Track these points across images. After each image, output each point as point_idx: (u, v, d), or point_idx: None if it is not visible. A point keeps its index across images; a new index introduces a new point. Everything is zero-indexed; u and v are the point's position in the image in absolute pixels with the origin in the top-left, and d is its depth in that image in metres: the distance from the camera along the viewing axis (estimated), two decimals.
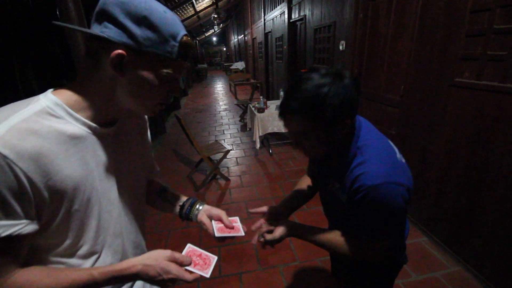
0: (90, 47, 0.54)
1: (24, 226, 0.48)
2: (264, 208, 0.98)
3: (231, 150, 3.68)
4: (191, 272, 0.63)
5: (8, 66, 2.21)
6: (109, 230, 0.65)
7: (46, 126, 0.50)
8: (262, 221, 0.95)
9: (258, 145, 3.79)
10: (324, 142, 0.73)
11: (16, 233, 0.47)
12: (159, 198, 0.88)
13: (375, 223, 0.75)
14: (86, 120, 0.56)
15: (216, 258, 0.70)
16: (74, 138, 0.54)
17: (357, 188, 0.71)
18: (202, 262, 0.67)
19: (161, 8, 0.53)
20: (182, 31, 0.55)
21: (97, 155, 0.59)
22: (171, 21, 0.53)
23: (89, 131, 0.57)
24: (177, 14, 9.08)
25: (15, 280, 0.50)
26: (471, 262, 1.81)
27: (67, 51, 2.01)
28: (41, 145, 0.48)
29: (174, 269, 0.59)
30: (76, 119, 0.55)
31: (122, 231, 0.69)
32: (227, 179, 3.37)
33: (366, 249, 0.80)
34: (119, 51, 0.51)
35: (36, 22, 2.43)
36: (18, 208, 0.47)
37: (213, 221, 0.82)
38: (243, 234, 0.78)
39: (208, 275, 0.64)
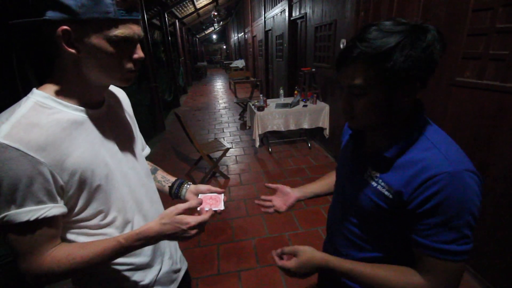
0: (48, 38, 0.55)
1: (49, 209, 0.54)
2: (277, 185, 0.99)
3: (230, 148, 3.68)
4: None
5: (7, 63, 2.19)
6: (133, 199, 0.72)
7: (44, 117, 0.55)
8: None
9: (257, 144, 3.78)
10: (381, 105, 0.58)
11: (42, 216, 0.53)
12: None
13: (453, 231, 0.55)
14: (76, 106, 0.61)
15: (222, 194, 0.86)
16: (73, 123, 0.59)
17: (428, 178, 0.55)
18: (214, 201, 0.83)
19: None
20: None
21: (99, 135, 0.64)
22: None
23: (83, 114, 0.62)
24: (177, 11, 8.97)
25: (55, 255, 0.57)
26: (469, 262, 1.81)
27: None
28: (45, 134, 0.53)
29: (189, 218, 0.65)
30: (67, 107, 0.59)
31: (144, 199, 0.76)
32: (226, 177, 3.37)
33: (441, 278, 0.58)
34: (62, 27, 0.52)
35: (33, 17, 2.41)
36: (40, 194, 0.53)
37: (199, 195, 0.87)
38: (222, 208, 0.84)
39: (223, 208, 0.82)
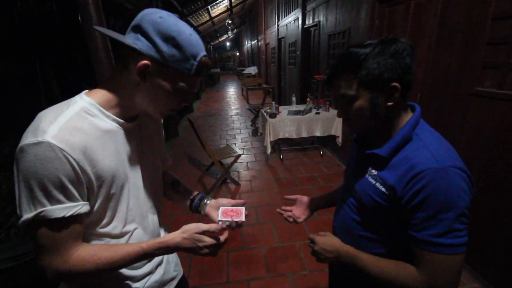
0: (122, 53, 0.62)
1: (81, 207, 0.58)
2: (296, 196, 1.05)
3: (242, 154, 3.69)
4: (231, 226, 0.83)
5: (31, 67, 2.30)
6: (137, 211, 0.74)
7: (87, 123, 0.60)
8: (292, 207, 1.03)
9: (269, 150, 3.77)
10: (368, 109, 0.66)
11: (77, 213, 0.57)
12: (171, 190, 0.96)
13: (442, 224, 0.58)
14: (115, 117, 0.65)
15: (244, 208, 0.88)
16: (108, 133, 0.64)
17: (416, 174, 0.60)
18: (235, 213, 0.85)
19: (188, 31, 0.60)
20: (202, 52, 0.62)
21: (126, 147, 0.69)
22: (194, 42, 0.60)
23: (118, 126, 0.67)
24: (193, 20, 9.18)
25: (80, 253, 0.60)
26: (490, 279, 1.72)
27: (87, 56, 2.08)
28: (86, 139, 0.58)
29: (207, 238, 0.68)
30: (108, 116, 0.64)
31: (148, 213, 0.79)
32: (237, 184, 3.37)
33: (436, 272, 0.61)
34: (146, 61, 0.58)
35: (58, 28, 2.53)
36: (75, 192, 0.57)
37: (220, 208, 0.89)
38: (243, 219, 0.85)
39: (244, 219, 0.84)
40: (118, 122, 0.66)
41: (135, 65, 0.59)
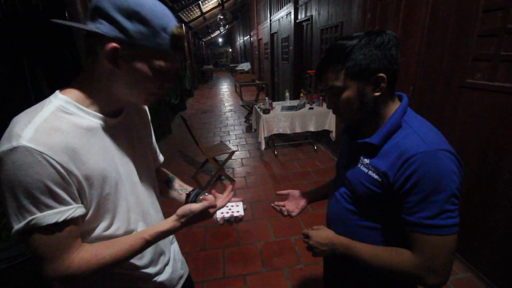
0: (89, 44, 0.56)
1: (75, 210, 0.55)
2: (288, 191, 1.05)
3: (236, 151, 3.67)
4: (230, 221, 0.85)
5: (19, 67, 2.24)
6: (139, 209, 0.71)
7: (65, 122, 0.55)
8: (285, 202, 1.03)
9: (263, 146, 3.77)
10: (356, 100, 0.67)
11: (70, 216, 0.54)
12: (166, 187, 0.95)
13: (434, 206, 0.59)
14: (96, 113, 0.61)
15: (242, 202, 0.89)
16: (91, 130, 0.59)
17: (407, 159, 0.61)
18: (234, 209, 0.86)
19: (150, 2, 0.54)
20: (172, 23, 0.56)
21: (114, 143, 0.65)
22: (161, 13, 0.54)
23: (101, 122, 0.62)
24: (184, 15, 9.05)
25: (82, 256, 0.57)
26: (481, 269, 1.76)
27: (75, 53, 2.03)
28: (66, 139, 0.53)
29: (194, 206, 0.68)
30: (88, 113, 0.59)
31: (149, 210, 0.76)
32: (232, 180, 3.37)
33: (431, 254, 0.62)
34: (113, 44, 0.53)
35: (45, 25, 2.47)
36: (65, 196, 0.53)
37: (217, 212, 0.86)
38: (242, 213, 0.86)
39: (243, 213, 0.86)
40: (100, 118, 0.62)
41: (103, 52, 0.54)
